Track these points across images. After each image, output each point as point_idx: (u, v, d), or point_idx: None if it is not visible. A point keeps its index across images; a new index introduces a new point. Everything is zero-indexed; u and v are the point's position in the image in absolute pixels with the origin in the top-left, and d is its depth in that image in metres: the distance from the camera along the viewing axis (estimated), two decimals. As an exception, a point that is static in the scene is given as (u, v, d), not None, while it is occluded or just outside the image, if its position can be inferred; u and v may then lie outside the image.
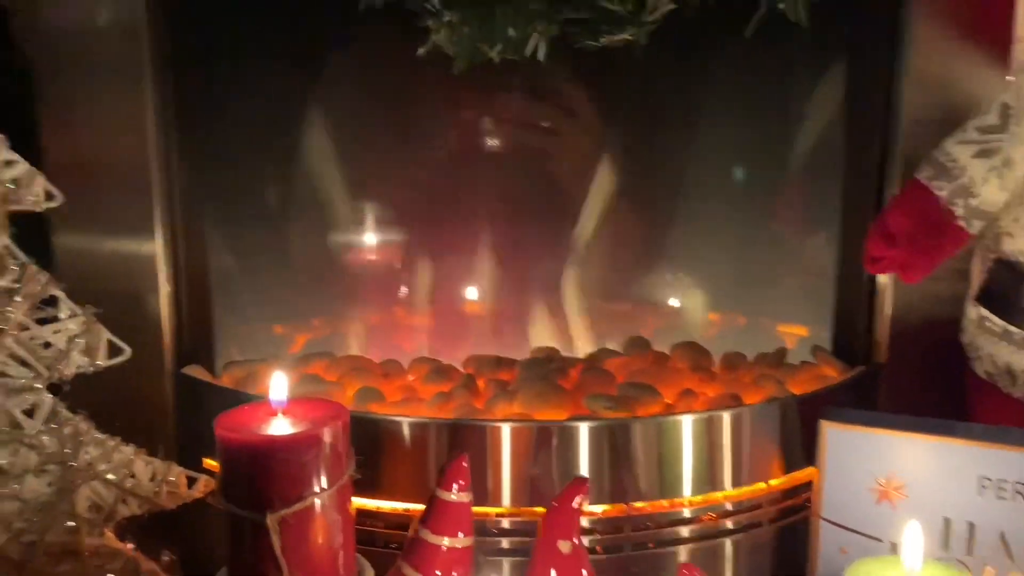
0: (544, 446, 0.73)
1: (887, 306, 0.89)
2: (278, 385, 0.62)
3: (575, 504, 0.64)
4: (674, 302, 1.07)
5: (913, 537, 0.63)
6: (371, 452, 0.73)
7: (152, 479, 0.74)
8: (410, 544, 0.64)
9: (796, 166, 1.02)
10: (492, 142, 0.99)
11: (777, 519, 0.80)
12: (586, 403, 0.78)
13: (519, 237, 1.01)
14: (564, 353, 0.95)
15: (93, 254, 0.85)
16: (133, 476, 0.74)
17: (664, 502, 0.76)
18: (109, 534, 0.74)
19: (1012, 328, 0.77)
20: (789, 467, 0.80)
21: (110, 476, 0.73)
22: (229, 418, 0.61)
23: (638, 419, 0.75)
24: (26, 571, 0.70)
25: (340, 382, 0.85)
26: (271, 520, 0.57)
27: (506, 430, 0.73)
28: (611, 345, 0.96)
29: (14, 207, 0.68)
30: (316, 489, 0.59)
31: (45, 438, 0.71)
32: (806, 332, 1.03)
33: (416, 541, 0.64)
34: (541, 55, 0.67)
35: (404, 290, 1.01)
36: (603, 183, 1.01)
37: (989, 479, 0.71)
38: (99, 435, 0.73)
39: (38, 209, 0.69)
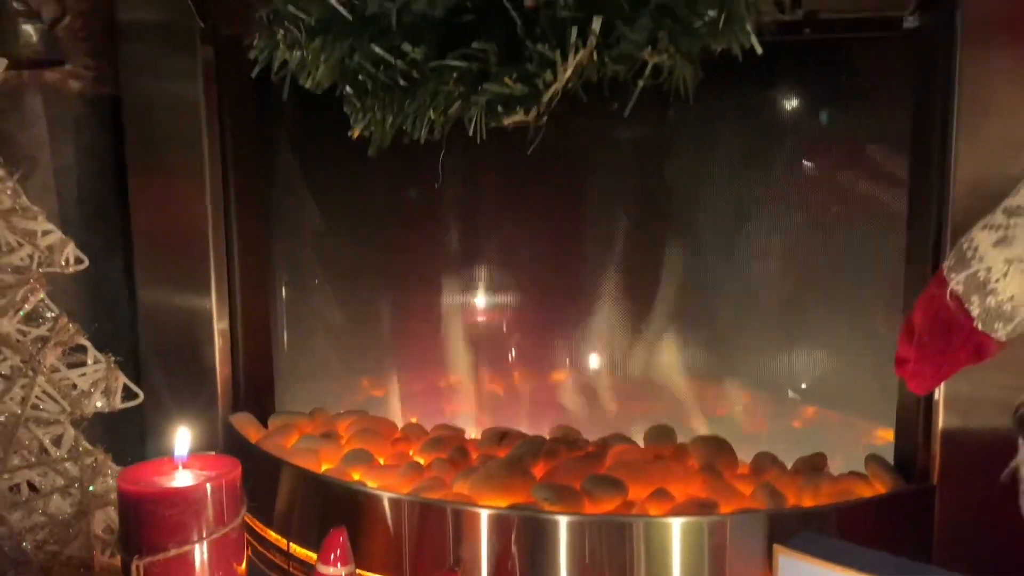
0: (470, 530, 0.71)
1: (940, 417, 0.74)
2: (181, 442, 0.67)
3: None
4: (764, 390, 0.98)
5: None
6: (311, 509, 0.76)
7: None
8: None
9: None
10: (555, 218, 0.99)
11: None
12: (533, 492, 0.74)
13: (589, 310, 0.99)
14: (586, 434, 0.90)
15: (165, 307, 0.98)
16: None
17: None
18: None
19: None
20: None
21: (122, 504, 0.83)
22: (135, 470, 0.68)
23: (572, 517, 0.70)
24: (49, 577, 0.82)
25: (343, 441, 0.89)
26: (135, 565, 0.63)
27: (412, 507, 0.73)
28: (636, 428, 0.90)
29: (48, 269, 0.81)
30: (193, 539, 0.64)
31: (68, 465, 0.83)
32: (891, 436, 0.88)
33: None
34: (475, 132, 0.67)
35: (459, 357, 1.03)
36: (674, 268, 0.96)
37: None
38: (116, 467, 0.84)
39: (68, 271, 0.82)
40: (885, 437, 0.89)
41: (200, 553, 0.64)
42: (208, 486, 0.64)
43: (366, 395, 1.05)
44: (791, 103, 0.86)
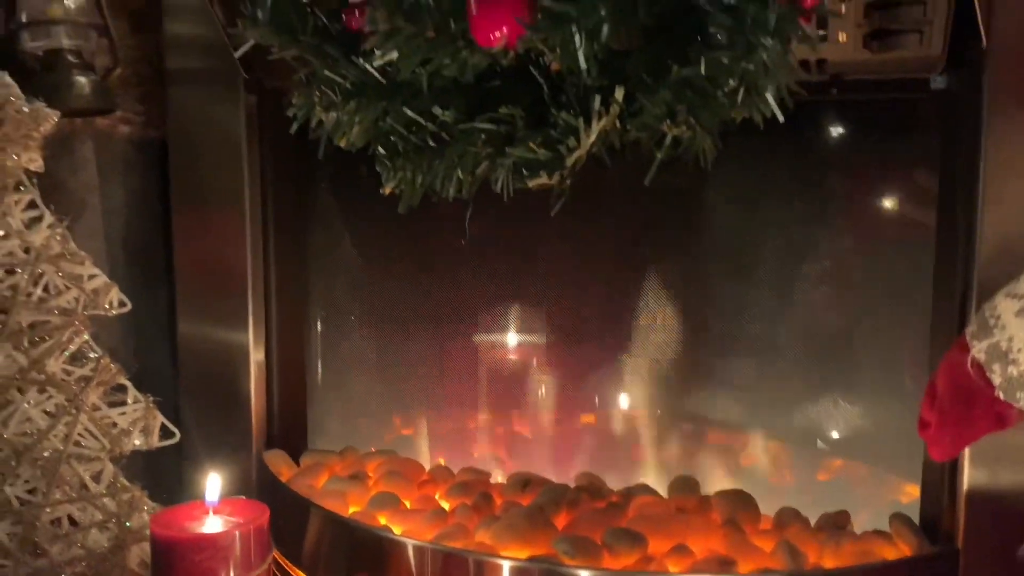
0: (487, 581, 0.73)
1: (965, 479, 0.74)
2: (212, 487, 0.70)
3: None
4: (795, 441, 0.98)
5: None
6: (338, 551, 0.78)
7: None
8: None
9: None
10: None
11: None
12: (553, 544, 0.75)
13: (616, 357, 1.00)
14: (611, 481, 0.91)
15: (204, 340, 1.01)
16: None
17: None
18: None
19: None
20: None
21: (156, 540, 0.86)
22: (168, 513, 0.70)
23: (588, 569, 0.71)
24: (87, 609, 0.85)
25: (371, 482, 0.91)
26: (166, 610, 0.65)
27: (435, 556, 0.74)
28: (660, 479, 0.91)
29: (92, 311, 0.85)
30: (220, 584, 0.66)
31: (107, 500, 0.86)
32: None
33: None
34: (506, 191, 0.69)
35: (488, 398, 1.05)
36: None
37: None
38: (152, 504, 0.87)
39: (111, 314, 0.85)
40: (912, 493, 0.89)
41: (227, 596, 0.66)
42: (237, 533, 0.67)
43: (396, 434, 1.07)
44: (816, 160, 0.87)
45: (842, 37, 0.71)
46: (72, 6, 0.90)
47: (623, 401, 0.98)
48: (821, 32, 0.67)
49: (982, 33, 0.69)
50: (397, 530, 0.81)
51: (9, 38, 0.90)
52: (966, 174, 0.73)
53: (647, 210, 0.93)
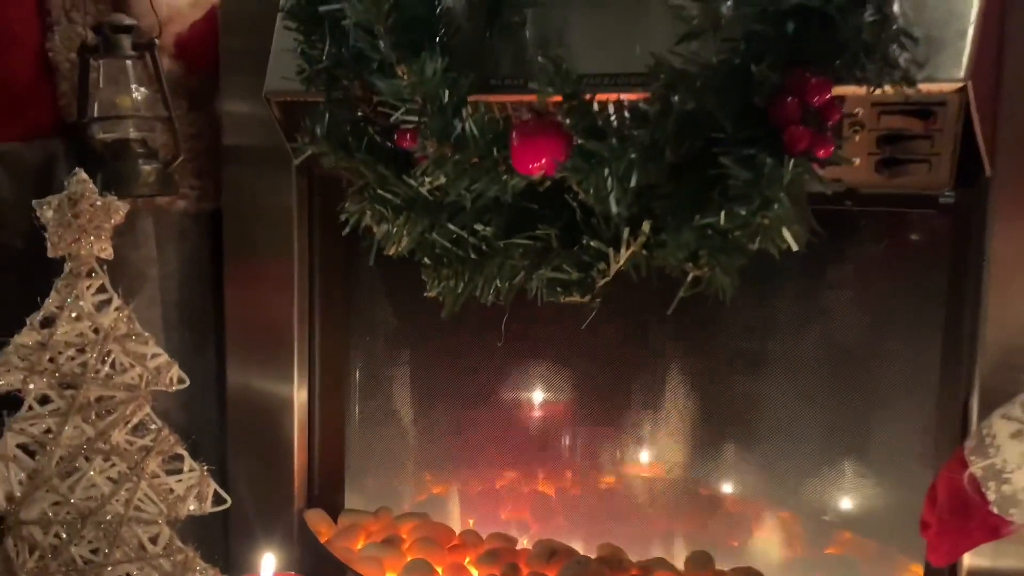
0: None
1: (964, 569, 0.79)
2: (267, 566, 0.76)
3: None
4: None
5: None
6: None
7: (242, 605, 0.93)
8: None
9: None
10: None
11: None
12: (577, 620, 0.81)
13: (636, 434, 1.06)
14: (631, 550, 0.97)
15: (251, 395, 1.07)
16: (226, 600, 0.93)
17: None
18: (204, 645, 0.94)
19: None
20: None
21: (208, 598, 0.93)
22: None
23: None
24: (142, 662, 0.92)
25: (405, 547, 0.97)
26: None
27: None
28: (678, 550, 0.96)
29: (154, 387, 0.92)
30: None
31: (163, 560, 0.93)
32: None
33: None
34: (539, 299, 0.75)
35: (515, 464, 1.11)
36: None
37: None
38: (203, 564, 0.94)
39: (171, 390, 0.92)
40: (917, 572, 0.94)
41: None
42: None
43: (428, 494, 1.13)
44: (828, 267, 0.92)
45: (857, 161, 0.76)
46: (140, 99, 0.97)
47: (642, 474, 1.04)
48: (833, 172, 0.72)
49: (985, 164, 0.74)
50: (430, 601, 0.87)
51: (82, 128, 0.97)
52: (972, 285, 0.79)
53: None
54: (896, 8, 0.65)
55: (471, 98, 0.73)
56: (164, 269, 1.10)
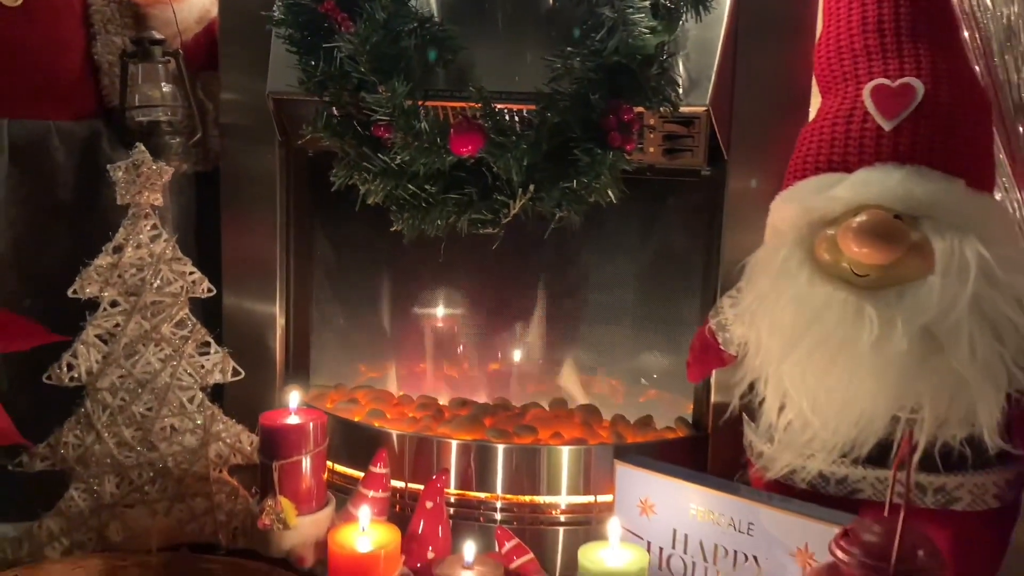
0: (446, 453, 1.28)
1: (712, 396, 1.33)
2: (294, 399, 1.20)
3: (439, 483, 1.18)
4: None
5: (614, 528, 1.10)
6: (356, 442, 1.30)
7: (250, 445, 1.36)
8: (353, 495, 1.21)
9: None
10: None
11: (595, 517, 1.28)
12: (487, 433, 1.30)
13: (521, 329, 1.55)
14: (514, 401, 1.47)
15: (244, 311, 1.48)
16: (240, 442, 1.36)
17: (523, 497, 1.27)
18: (224, 474, 1.36)
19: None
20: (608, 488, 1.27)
21: (227, 440, 1.35)
22: (268, 415, 1.20)
23: (507, 445, 1.27)
24: (182, 484, 1.33)
25: (363, 403, 1.43)
26: (275, 465, 1.16)
27: (413, 440, 1.29)
28: (544, 400, 1.47)
29: (191, 295, 1.32)
30: (303, 452, 1.17)
31: (196, 415, 1.34)
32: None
33: (356, 493, 1.21)
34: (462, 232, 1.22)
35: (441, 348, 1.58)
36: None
37: (701, 508, 1.14)
38: (225, 417, 1.36)
39: (203, 296, 1.32)
40: (689, 407, 1.48)
41: (306, 461, 1.18)
42: (311, 424, 1.18)
43: (368, 377, 1.59)
44: (634, 214, 1.44)
45: (652, 150, 1.27)
46: (167, 92, 1.36)
47: (520, 354, 1.54)
48: (638, 156, 1.22)
49: (724, 152, 1.26)
50: (389, 428, 1.34)
51: (123, 112, 1.35)
52: (718, 222, 1.32)
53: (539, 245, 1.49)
54: (668, 63, 1.16)
55: (424, 104, 1.18)
56: (174, 214, 1.49)
